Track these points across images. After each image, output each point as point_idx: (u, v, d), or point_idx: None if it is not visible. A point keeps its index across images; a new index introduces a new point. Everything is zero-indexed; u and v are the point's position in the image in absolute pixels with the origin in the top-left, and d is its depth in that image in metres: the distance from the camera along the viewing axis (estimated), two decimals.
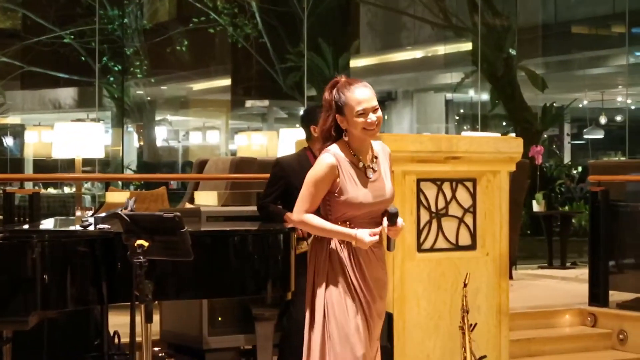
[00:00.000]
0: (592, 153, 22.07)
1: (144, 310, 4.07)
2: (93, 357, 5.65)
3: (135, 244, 4.09)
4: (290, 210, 5.52)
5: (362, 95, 4.14)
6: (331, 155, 4.14)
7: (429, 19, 18.17)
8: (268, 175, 5.79)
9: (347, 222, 4.14)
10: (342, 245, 4.15)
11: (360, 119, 4.12)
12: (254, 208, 5.85)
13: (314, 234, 4.23)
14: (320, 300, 4.15)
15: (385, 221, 4.14)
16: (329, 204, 4.16)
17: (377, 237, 4.10)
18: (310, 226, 4.18)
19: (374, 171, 4.21)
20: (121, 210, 4.40)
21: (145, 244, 4.09)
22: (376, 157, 4.25)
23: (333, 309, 4.12)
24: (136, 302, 4.13)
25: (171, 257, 4.28)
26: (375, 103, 4.15)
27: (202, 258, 4.69)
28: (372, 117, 4.12)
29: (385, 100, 19.53)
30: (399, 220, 4.15)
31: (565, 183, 15.02)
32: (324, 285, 4.15)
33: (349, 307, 4.12)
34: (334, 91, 4.18)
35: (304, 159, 5.64)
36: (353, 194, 4.12)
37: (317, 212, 4.21)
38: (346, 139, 4.18)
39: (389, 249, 4.22)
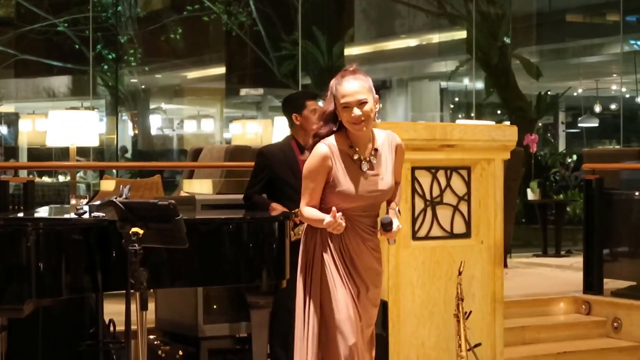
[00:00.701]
0: (587, 141, 22.08)
1: (139, 298, 4.07)
2: (88, 345, 5.65)
3: (130, 232, 4.09)
4: (275, 200, 5.53)
5: (347, 88, 4.08)
6: (325, 145, 4.12)
7: (423, 7, 18.14)
8: None
9: (340, 214, 4.13)
10: (331, 236, 4.14)
11: (345, 113, 4.09)
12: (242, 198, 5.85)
13: (310, 224, 4.23)
14: (313, 289, 4.15)
15: (379, 227, 4.15)
16: (323, 193, 4.15)
17: (336, 220, 3.98)
18: (304, 218, 4.19)
19: (371, 164, 4.18)
20: (116, 198, 4.40)
21: (140, 231, 4.08)
22: (376, 150, 4.21)
23: (325, 297, 4.12)
24: (131, 290, 4.13)
25: (166, 244, 4.28)
26: (361, 97, 4.07)
27: (197, 246, 4.70)
28: (356, 111, 4.06)
29: (380, 88, 19.46)
30: (395, 225, 4.13)
31: (560, 171, 15.03)
32: (315, 274, 4.15)
33: (339, 296, 4.11)
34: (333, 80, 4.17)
35: (288, 147, 5.62)
36: (345, 186, 4.10)
37: None
38: (344, 128, 4.17)
39: (389, 243, 4.23)
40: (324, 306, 4.12)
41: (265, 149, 5.76)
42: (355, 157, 4.15)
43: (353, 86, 4.08)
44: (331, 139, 4.13)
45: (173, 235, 4.16)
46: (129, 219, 4.14)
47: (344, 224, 4.03)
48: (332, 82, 4.15)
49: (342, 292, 4.12)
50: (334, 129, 4.15)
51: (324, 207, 4.15)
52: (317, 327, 4.12)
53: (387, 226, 4.12)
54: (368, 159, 4.17)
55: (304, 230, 4.27)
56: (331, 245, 4.14)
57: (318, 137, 4.17)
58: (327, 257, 4.13)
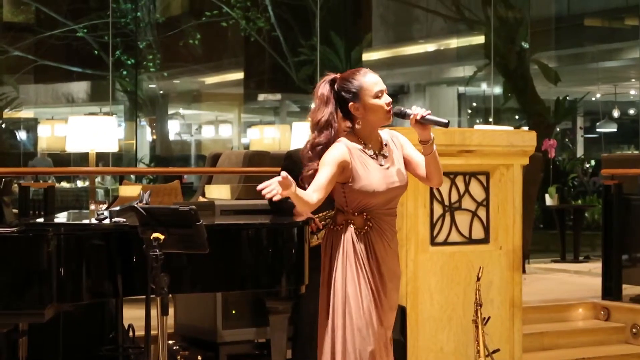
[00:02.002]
0: (605, 146, 22.01)
1: (160, 303, 4.09)
2: (108, 350, 5.68)
3: (151, 237, 4.11)
4: None
5: (374, 77, 4.18)
6: (342, 144, 4.15)
7: (441, 12, 18.14)
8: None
9: (364, 213, 4.15)
10: (358, 237, 4.16)
11: (381, 101, 4.14)
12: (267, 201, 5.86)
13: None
14: (336, 293, 4.15)
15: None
16: (344, 194, 4.17)
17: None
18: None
19: (385, 158, 4.22)
20: (137, 204, 4.42)
21: (161, 237, 4.10)
22: (386, 145, 4.25)
23: (348, 302, 4.13)
24: (151, 295, 4.15)
25: (187, 250, 4.29)
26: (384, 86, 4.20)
27: (216, 251, 4.71)
28: (387, 97, 4.16)
29: (398, 93, 19.50)
30: (413, 110, 4.11)
31: (578, 177, 14.99)
32: (340, 278, 4.15)
33: (363, 302, 4.12)
34: (338, 83, 4.18)
35: None
36: (366, 181, 4.13)
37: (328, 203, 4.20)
38: (358, 126, 4.19)
39: (445, 125, 4.17)
40: (347, 311, 4.13)
41: (292, 153, 5.76)
42: (370, 152, 4.18)
43: (376, 76, 4.19)
44: (344, 140, 4.16)
45: (194, 241, 4.18)
46: (150, 224, 4.16)
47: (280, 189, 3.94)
48: (345, 83, 4.16)
49: (366, 298, 4.13)
50: (331, 135, 4.17)
51: (347, 208, 4.17)
52: (341, 331, 4.13)
53: (402, 115, 4.14)
54: (381, 152, 4.21)
55: (325, 234, 4.28)
56: (357, 248, 4.15)
57: (319, 146, 4.18)
58: (352, 260, 4.14)
